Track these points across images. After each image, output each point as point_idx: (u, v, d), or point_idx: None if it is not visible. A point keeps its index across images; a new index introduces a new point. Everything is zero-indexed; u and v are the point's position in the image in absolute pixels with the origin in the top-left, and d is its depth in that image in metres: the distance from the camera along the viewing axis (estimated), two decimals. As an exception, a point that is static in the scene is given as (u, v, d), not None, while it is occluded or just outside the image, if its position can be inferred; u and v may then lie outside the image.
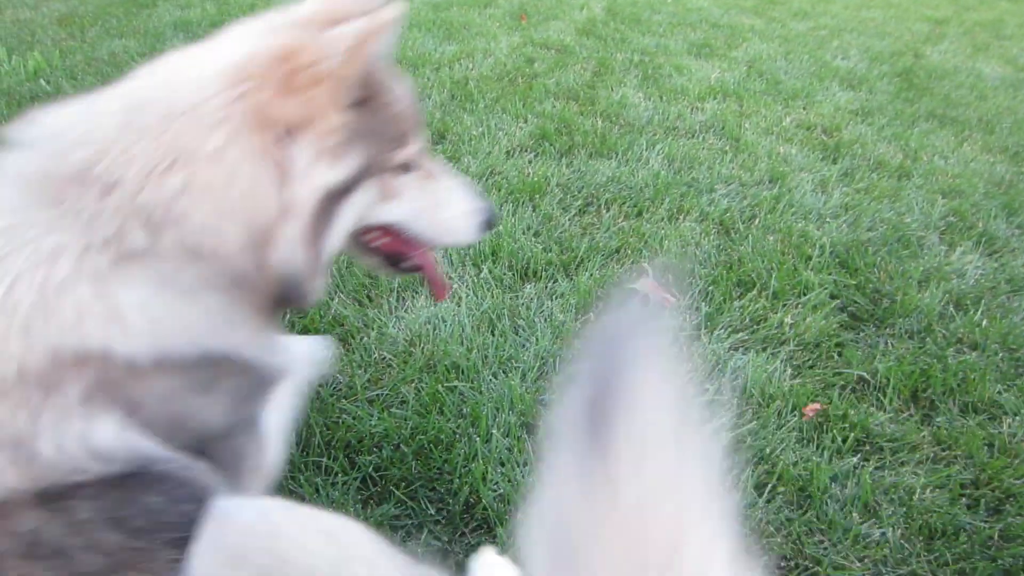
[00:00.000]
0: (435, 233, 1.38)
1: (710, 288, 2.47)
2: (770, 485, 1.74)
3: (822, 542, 1.63)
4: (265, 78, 1.05)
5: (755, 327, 2.32)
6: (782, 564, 1.58)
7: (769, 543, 1.61)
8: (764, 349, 2.24)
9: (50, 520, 0.95)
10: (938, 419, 1.97)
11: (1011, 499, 1.73)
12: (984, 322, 2.35)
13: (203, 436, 1.10)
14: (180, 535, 1.00)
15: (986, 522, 1.67)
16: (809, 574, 1.56)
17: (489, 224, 1.43)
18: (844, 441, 1.88)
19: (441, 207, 1.38)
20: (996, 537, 1.63)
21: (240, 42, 1.11)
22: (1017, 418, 1.98)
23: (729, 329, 2.30)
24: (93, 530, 0.96)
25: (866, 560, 1.59)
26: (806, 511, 1.69)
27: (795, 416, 1.97)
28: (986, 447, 1.87)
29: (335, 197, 1.15)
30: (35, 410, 0.96)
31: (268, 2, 5.90)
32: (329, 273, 1.26)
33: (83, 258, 0.98)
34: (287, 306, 1.22)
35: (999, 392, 2.06)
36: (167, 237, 1.02)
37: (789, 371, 2.15)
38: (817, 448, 1.86)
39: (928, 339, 2.28)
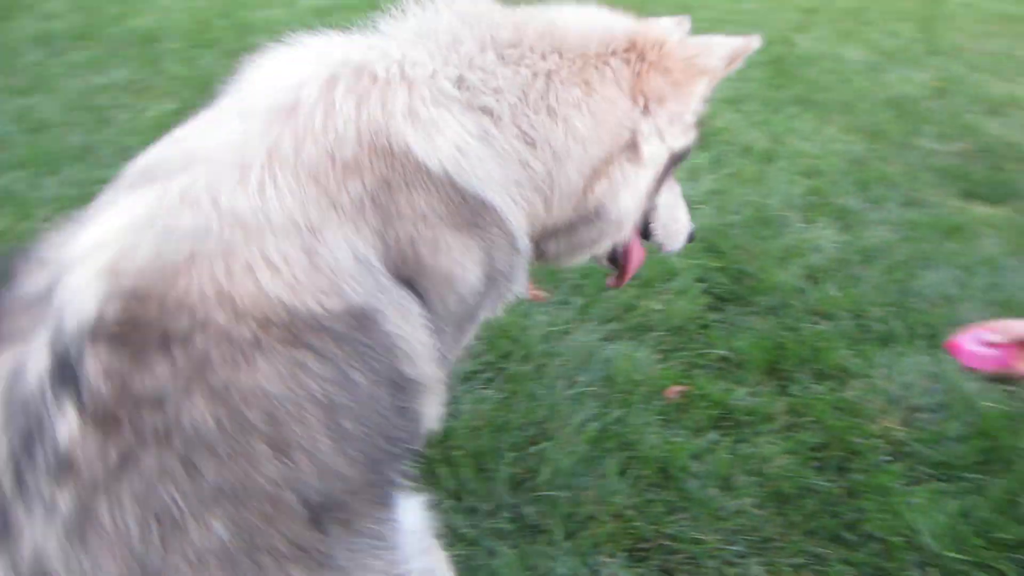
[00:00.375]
0: (665, 231, 1.58)
1: (582, 282, 2.53)
2: (633, 470, 1.80)
3: (682, 519, 1.69)
4: (643, 53, 1.34)
5: (625, 316, 2.39)
6: (643, 546, 1.63)
7: (631, 527, 1.66)
8: (634, 337, 2.30)
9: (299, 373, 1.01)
10: (793, 388, 2.07)
11: (855, 457, 1.82)
12: (836, 293, 2.47)
13: (427, 280, 1.20)
14: (383, 448, 1.10)
15: (832, 481, 1.76)
16: (669, 552, 1.62)
17: (691, 238, 1.64)
18: (706, 419, 1.95)
19: (677, 208, 1.59)
20: (840, 494, 1.72)
21: (619, 18, 1.39)
22: (863, 380, 2.09)
23: (600, 320, 2.36)
24: (336, 413, 1.03)
25: (723, 531, 1.66)
26: (667, 491, 1.75)
27: (660, 400, 2.04)
28: (835, 410, 1.97)
29: (671, 164, 1.43)
30: (332, 194, 1.11)
31: (138, 12, 5.77)
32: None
33: (461, 89, 1.23)
34: (539, 249, 1.42)
35: (847, 358, 2.17)
36: (527, 119, 1.27)
37: (657, 356, 2.22)
38: (681, 428, 1.93)
39: (785, 313, 2.38)
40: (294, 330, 1.02)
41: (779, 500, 1.72)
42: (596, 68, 1.32)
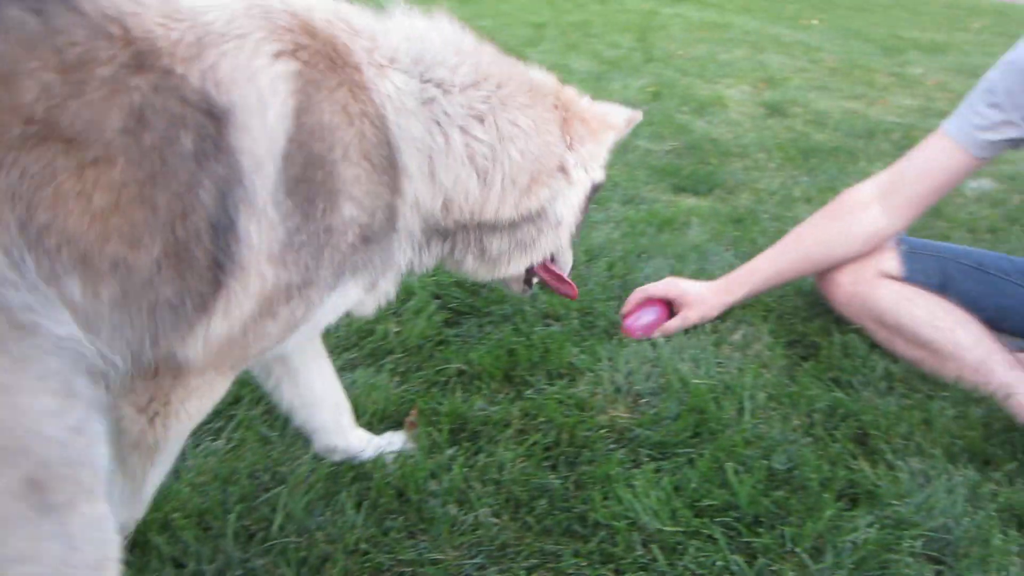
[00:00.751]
0: (565, 257, 1.89)
1: (318, 313, 2.45)
2: (371, 500, 1.75)
3: (421, 541, 1.66)
4: (567, 105, 1.69)
5: (362, 343, 2.34)
6: (380, 579, 1.59)
7: (367, 560, 1.61)
8: (372, 363, 2.26)
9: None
10: (527, 392, 2.12)
11: (584, 449, 1.90)
12: (564, 294, 2.58)
13: (318, 170, 1.28)
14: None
15: (564, 477, 1.81)
16: (407, 578, 1.59)
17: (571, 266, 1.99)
18: (444, 436, 1.95)
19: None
20: (570, 489, 1.78)
21: (548, 75, 1.72)
22: (591, 375, 2.19)
23: (337, 350, 2.30)
24: None
25: (462, 546, 1.66)
26: (406, 515, 1.72)
27: (400, 425, 2.02)
28: (565, 407, 2.04)
29: (592, 193, 1.78)
30: (270, 26, 1.26)
31: None
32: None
33: (418, 63, 1.46)
34: (481, 247, 1.67)
35: (576, 355, 2.27)
36: (478, 98, 1.51)
37: (395, 379, 2.19)
38: (418, 449, 1.91)
39: (519, 320, 2.45)
40: (149, 61, 1.11)
41: (515, 505, 1.74)
42: (537, 99, 1.62)
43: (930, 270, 2.38)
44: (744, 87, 6.28)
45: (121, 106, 1.06)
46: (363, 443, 1.91)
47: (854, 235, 2.40)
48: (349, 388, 2.12)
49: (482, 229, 1.62)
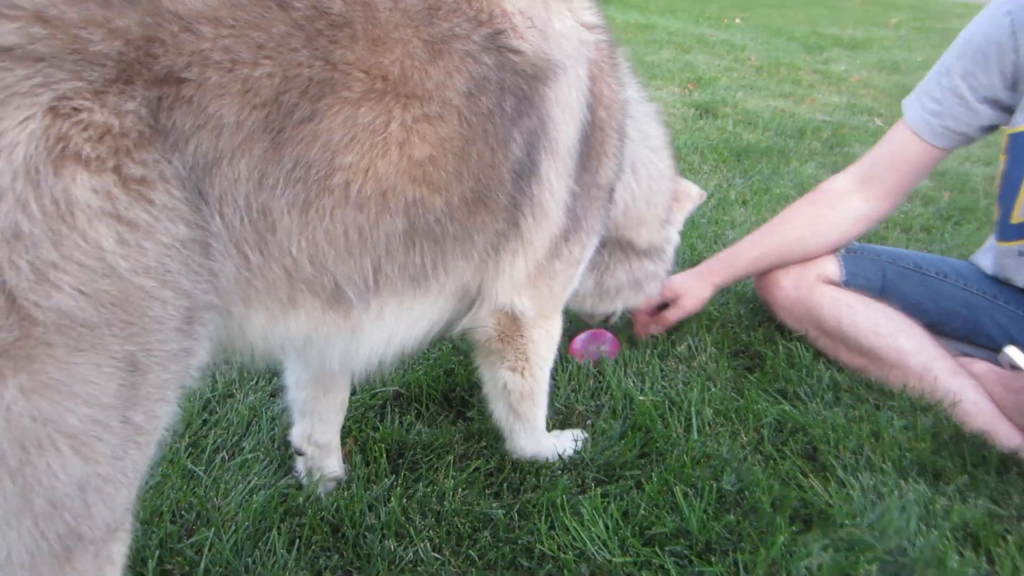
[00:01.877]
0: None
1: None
2: (305, 536, 1.64)
3: (359, 581, 1.57)
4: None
5: (292, 366, 2.22)
6: (316, 624, 1.48)
7: (301, 605, 1.50)
8: (302, 387, 2.14)
9: None
10: (469, 413, 2.04)
11: (528, 475, 1.82)
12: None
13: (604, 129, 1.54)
14: None
15: (507, 507, 1.72)
16: (344, 623, 1.49)
17: None
18: (382, 464, 1.85)
19: None
20: (514, 519, 1.70)
21: None
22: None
23: (267, 375, 2.18)
24: None
25: (402, 585, 1.56)
26: (341, 552, 1.62)
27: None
28: (508, 430, 1.96)
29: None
30: None
31: None
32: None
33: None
34: (601, 283, 2.01)
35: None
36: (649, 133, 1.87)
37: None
38: (354, 479, 1.81)
39: (456, 338, 2.36)
40: (499, 42, 1.24)
41: (456, 538, 1.65)
42: None
43: (870, 274, 2.37)
44: (673, 88, 6.30)
45: (468, 74, 1.19)
46: (337, 453, 1.86)
47: (838, 220, 2.39)
48: (279, 417, 2.01)
49: (620, 250, 1.92)
